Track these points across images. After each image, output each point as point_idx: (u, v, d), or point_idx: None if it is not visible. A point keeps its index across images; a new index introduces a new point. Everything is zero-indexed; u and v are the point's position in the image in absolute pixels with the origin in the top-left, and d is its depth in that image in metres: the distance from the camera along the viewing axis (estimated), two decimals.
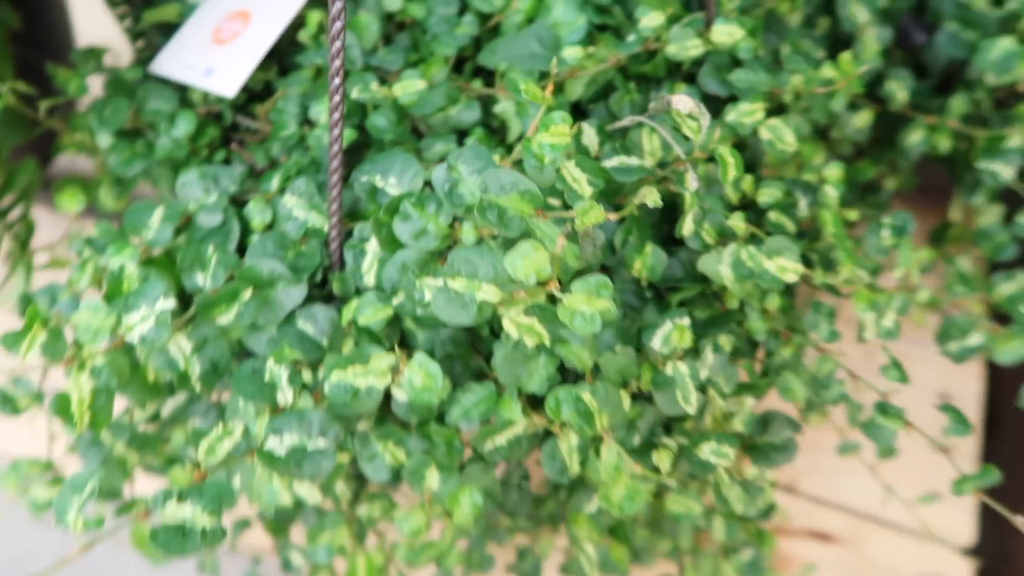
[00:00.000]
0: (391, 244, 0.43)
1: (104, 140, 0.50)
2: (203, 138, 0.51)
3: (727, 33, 0.50)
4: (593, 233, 0.43)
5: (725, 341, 0.48)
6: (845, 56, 0.53)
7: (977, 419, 0.76)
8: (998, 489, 0.57)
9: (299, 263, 0.44)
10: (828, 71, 0.53)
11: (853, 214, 0.54)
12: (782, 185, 0.51)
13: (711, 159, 0.49)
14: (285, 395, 0.41)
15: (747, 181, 0.50)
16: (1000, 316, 0.56)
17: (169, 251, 0.45)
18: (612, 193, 0.47)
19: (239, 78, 0.49)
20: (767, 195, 0.51)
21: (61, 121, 0.53)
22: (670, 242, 0.49)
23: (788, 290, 0.53)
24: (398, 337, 0.45)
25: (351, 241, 0.44)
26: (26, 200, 0.51)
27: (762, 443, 0.52)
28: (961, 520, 0.73)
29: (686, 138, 0.48)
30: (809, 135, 0.56)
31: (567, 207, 0.43)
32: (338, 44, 0.36)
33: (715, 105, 0.51)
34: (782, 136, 0.50)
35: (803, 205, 0.53)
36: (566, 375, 0.45)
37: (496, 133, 0.50)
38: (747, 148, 0.53)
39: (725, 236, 0.49)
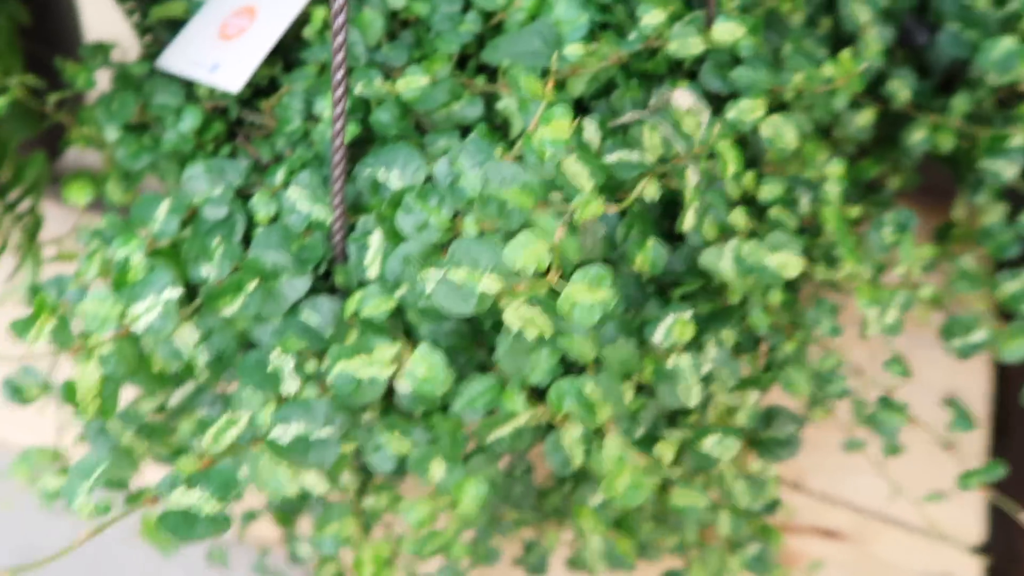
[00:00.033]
0: (394, 237, 0.43)
1: (111, 134, 0.51)
2: (209, 132, 0.51)
3: (728, 31, 0.50)
4: (593, 226, 0.44)
5: (727, 336, 0.48)
6: (845, 53, 0.53)
7: (984, 418, 0.76)
8: (1007, 487, 0.57)
9: (303, 255, 0.44)
10: (829, 69, 0.53)
11: (855, 211, 0.54)
12: (783, 182, 0.52)
13: (712, 155, 0.50)
14: (290, 385, 0.42)
15: (748, 177, 0.51)
16: (1006, 315, 0.56)
17: (175, 243, 0.46)
18: (613, 189, 0.47)
19: (244, 74, 0.49)
20: (768, 191, 0.51)
21: (69, 115, 0.54)
22: (671, 237, 0.49)
23: (790, 286, 0.53)
24: (401, 329, 0.45)
25: (354, 234, 0.45)
26: (35, 193, 0.52)
27: (766, 438, 0.52)
28: (969, 518, 0.72)
29: (685, 134, 0.48)
30: (811, 134, 0.56)
31: (568, 202, 0.43)
32: (340, 38, 0.36)
33: (716, 103, 0.51)
34: (783, 133, 0.50)
35: (804, 202, 0.53)
36: (569, 368, 0.45)
37: (499, 130, 0.51)
38: (748, 146, 0.53)
39: (726, 231, 0.49)
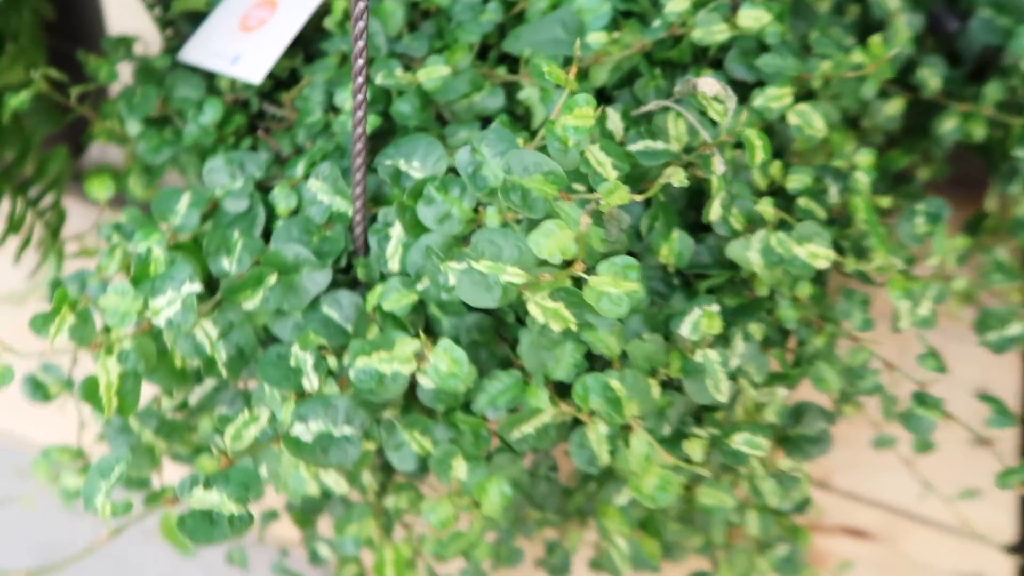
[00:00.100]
0: (415, 228, 0.42)
1: (133, 127, 0.51)
2: (230, 125, 0.51)
3: (754, 17, 0.49)
4: (618, 215, 0.43)
5: (755, 329, 0.47)
6: (875, 39, 0.52)
7: (1016, 415, 0.74)
8: None
9: (324, 248, 0.44)
10: (858, 56, 0.52)
11: (886, 201, 0.53)
12: (812, 171, 0.50)
13: (738, 144, 0.49)
14: (311, 381, 0.41)
15: (775, 167, 0.50)
16: None
17: (196, 236, 0.45)
18: (638, 178, 0.46)
19: (265, 65, 0.49)
20: (796, 181, 0.50)
21: (92, 109, 0.54)
22: (697, 228, 0.48)
23: (819, 278, 0.52)
24: (423, 324, 0.44)
25: (375, 226, 0.44)
26: (57, 188, 0.52)
27: (795, 435, 0.51)
28: (1001, 517, 0.71)
29: (712, 122, 0.47)
30: (839, 123, 0.55)
31: (591, 191, 0.42)
32: (361, 24, 0.36)
33: (742, 91, 0.50)
34: (811, 121, 0.49)
35: (833, 192, 0.52)
36: (593, 363, 0.44)
37: (520, 120, 0.50)
38: (775, 134, 0.52)
39: (753, 222, 0.48)
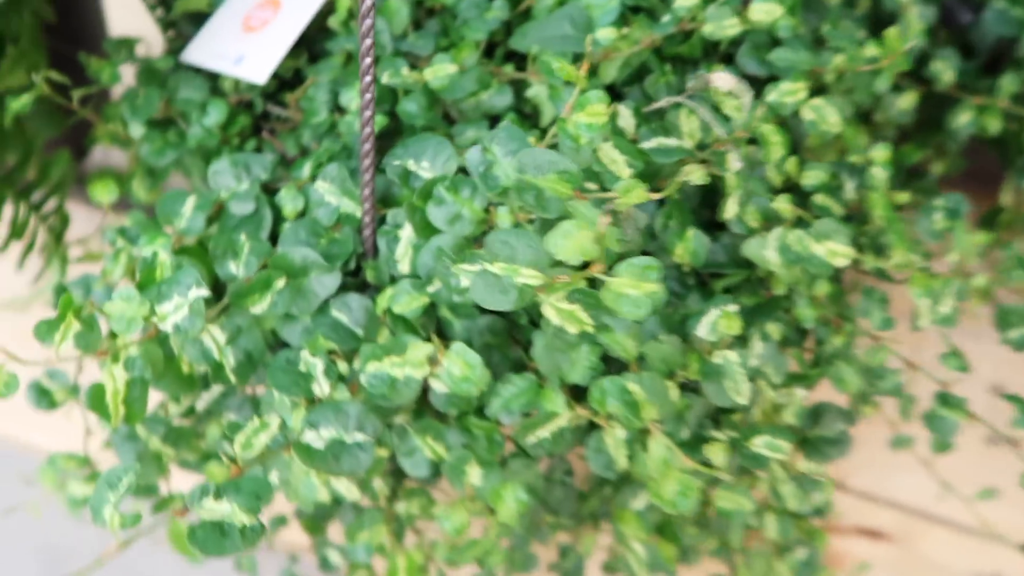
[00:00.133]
0: (425, 230, 0.41)
1: (136, 130, 0.50)
2: (234, 127, 0.50)
3: (765, 11, 0.49)
4: (634, 214, 0.42)
5: (773, 329, 0.46)
6: (891, 31, 0.51)
7: None
8: None
9: (332, 250, 0.43)
10: (872, 49, 0.51)
11: (903, 197, 0.52)
12: (828, 167, 0.50)
13: (752, 140, 0.48)
14: (321, 387, 0.40)
15: (791, 163, 0.49)
16: None
17: (202, 240, 0.44)
18: (651, 176, 0.45)
19: (269, 65, 0.48)
20: (812, 177, 0.49)
21: (94, 112, 0.53)
22: (712, 227, 0.48)
23: (836, 276, 0.51)
24: (434, 327, 0.43)
25: (384, 227, 0.44)
26: (60, 192, 0.51)
27: (814, 436, 0.50)
28: (1019, 517, 0.70)
29: (725, 118, 0.46)
30: (852, 118, 0.54)
31: (604, 190, 0.41)
32: (368, 22, 0.35)
33: (754, 86, 0.49)
34: (826, 116, 0.48)
35: (849, 188, 0.51)
36: (609, 365, 0.43)
37: (528, 118, 0.49)
38: (788, 130, 0.51)
39: (770, 220, 0.47)
